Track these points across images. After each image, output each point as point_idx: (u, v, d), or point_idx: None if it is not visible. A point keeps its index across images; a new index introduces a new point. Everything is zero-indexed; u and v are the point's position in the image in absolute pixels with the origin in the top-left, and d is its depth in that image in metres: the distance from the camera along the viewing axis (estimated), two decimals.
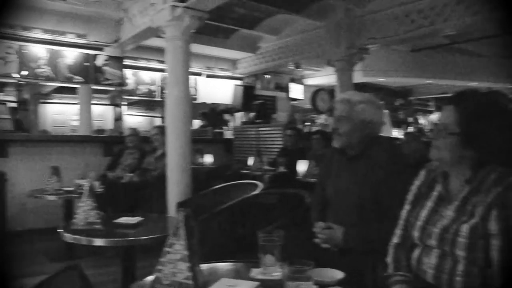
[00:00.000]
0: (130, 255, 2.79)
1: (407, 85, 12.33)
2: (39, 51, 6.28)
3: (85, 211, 2.54)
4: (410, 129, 11.73)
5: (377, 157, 2.04)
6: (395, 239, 1.67)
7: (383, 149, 2.08)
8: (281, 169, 5.48)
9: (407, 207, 1.66)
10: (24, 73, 6.16)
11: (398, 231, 1.67)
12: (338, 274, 1.54)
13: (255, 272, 1.55)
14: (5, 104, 5.93)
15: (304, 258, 1.30)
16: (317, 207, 2.30)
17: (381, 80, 10.71)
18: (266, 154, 6.06)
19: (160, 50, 6.68)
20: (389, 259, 1.64)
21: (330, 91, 9.98)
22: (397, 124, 12.16)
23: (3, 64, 6.01)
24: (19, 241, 4.84)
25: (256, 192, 3.35)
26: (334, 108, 2.19)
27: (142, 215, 2.92)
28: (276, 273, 1.51)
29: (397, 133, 10.94)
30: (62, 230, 2.57)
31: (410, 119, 13.17)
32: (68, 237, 2.47)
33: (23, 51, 6.15)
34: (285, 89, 10.17)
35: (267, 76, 9.85)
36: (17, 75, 6.15)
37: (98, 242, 2.42)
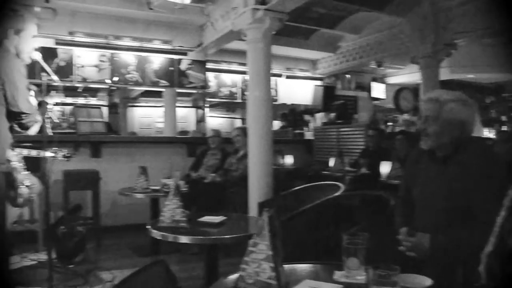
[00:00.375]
0: (213, 253, 2.86)
1: (498, 80, 11.48)
2: (128, 58, 6.67)
3: (171, 210, 2.63)
4: (504, 128, 10.92)
5: (469, 159, 1.91)
6: (489, 247, 1.55)
7: (475, 151, 1.94)
8: (363, 170, 5.34)
9: (503, 213, 1.53)
10: (115, 78, 6.57)
11: (492, 239, 1.55)
12: (426, 281, 1.46)
13: (338, 275, 1.52)
14: (99, 108, 6.33)
15: (385, 263, 1.25)
16: (401, 211, 2.20)
17: (469, 76, 10.07)
18: (347, 155, 5.95)
19: (241, 53, 6.78)
20: (482, 268, 1.53)
21: (414, 89, 9.59)
22: (488, 123, 11.38)
23: (98, 71, 6.46)
24: (111, 236, 5.15)
25: (338, 193, 3.29)
26: (421, 107, 2.09)
27: (224, 214, 2.98)
28: (360, 276, 1.47)
29: (488, 133, 10.25)
30: (149, 227, 2.69)
31: (503, 118, 12.25)
32: (156, 233, 2.58)
33: (114, 58, 6.57)
34: (367, 89, 9.92)
35: (348, 76, 9.67)
36: (109, 81, 6.57)
37: (184, 239, 2.50)
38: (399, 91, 10.24)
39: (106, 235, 5.05)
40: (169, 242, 2.62)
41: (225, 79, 8.16)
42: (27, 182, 2.34)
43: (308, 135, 7.98)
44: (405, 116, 9.87)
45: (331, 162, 5.69)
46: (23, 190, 2.33)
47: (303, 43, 7.80)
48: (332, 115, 8.23)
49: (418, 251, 1.86)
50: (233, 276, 1.54)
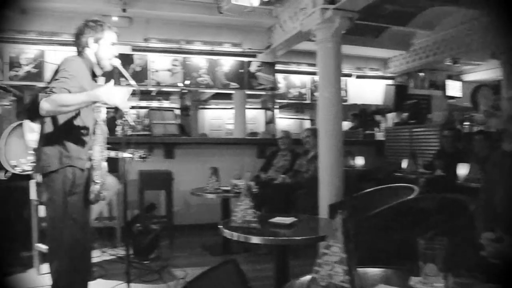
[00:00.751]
0: (283, 254, 2.86)
1: None
2: (200, 62, 6.85)
3: (243, 210, 2.67)
4: None
5: None
6: None
7: None
8: (438, 172, 5.11)
9: None
10: (187, 82, 6.77)
11: None
12: None
13: (415, 281, 1.46)
14: (172, 110, 6.56)
15: (467, 270, 1.18)
16: (483, 215, 2.08)
17: None
18: (421, 156, 5.71)
19: (310, 54, 6.75)
20: None
21: (494, 86, 9.01)
22: None
23: (171, 75, 6.69)
24: (183, 234, 5.31)
25: (412, 196, 3.17)
26: (504, 105, 1.96)
27: (295, 215, 2.97)
28: (438, 284, 1.40)
29: None
30: (221, 226, 2.75)
31: None
32: (227, 233, 2.63)
33: (186, 62, 6.77)
34: (441, 87, 9.46)
35: (421, 74, 9.28)
36: (181, 84, 6.79)
37: (255, 240, 2.52)
38: (477, 89, 9.67)
39: (179, 233, 5.22)
40: (239, 241, 2.66)
41: (294, 80, 8.14)
42: (98, 180, 2.45)
43: (379, 136, 7.77)
44: (484, 116, 9.33)
45: (404, 163, 5.49)
46: (94, 187, 2.45)
47: (373, 41, 7.60)
48: (405, 115, 7.94)
49: (504, 257, 1.75)
50: (305, 278, 1.53)
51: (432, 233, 2.10)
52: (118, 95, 2.30)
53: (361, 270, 1.60)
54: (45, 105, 2.23)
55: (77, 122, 2.46)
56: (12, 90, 8.09)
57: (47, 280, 3.69)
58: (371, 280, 1.50)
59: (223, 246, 4.58)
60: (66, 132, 2.45)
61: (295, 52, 7.49)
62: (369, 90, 8.74)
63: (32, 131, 3.47)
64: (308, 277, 1.48)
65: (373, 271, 1.68)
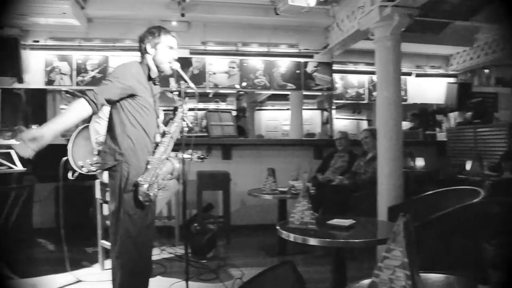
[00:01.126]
0: (341, 256, 2.82)
1: None
2: (256, 63, 6.90)
3: (301, 211, 2.66)
4: None
5: None
6: None
7: None
8: (507, 174, 4.84)
9: None
10: (244, 83, 6.84)
11: None
12: None
13: None
14: (230, 112, 6.65)
15: None
16: None
17: None
18: (486, 158, 5.44)
19: (368, 53, 6.62)
20: None
21: None
22: None
23: (228, 77, 6.79)
24: (239, 234, 5.36)
25: (478, 199, 3.02)
26: None
27: (353, 218, 2.92)
28: None
29: None
30: (279, 227, 2.75)
31: None
32: (284, 234, 2.62)
33: (243, 64, 6.84)
34: (509, 84, 8.96)
35: (486, 71, 8.83)
36: (238, 86, 6.87)
37: (313, 241, 2.50)
38: None
39: (235, 233, 5.27)
40: (295, 242, 2.64)
41: (351, 80, 8.01)
42: (143, 180, 2.53)
43: (441, 136, 7.47)
44: None
45: (468, 165, 5.26)
46: (141, 187, 2.51)
47: (434, 38, 7.31)
48: (468, 114, 7.58)
49: None
50: (364, 282, 1.50)
51: (499, 239, 2.00)
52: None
53: (422, 275, 1.55)
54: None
55: (136, 123, 2.57)
56: (78, 94, 8.48)
57: (109, 275, 3.86)
58: (433, 287, 1.45)
59: (279, 247, 4.58)
60: (124, 132, 2.58)
61: (352, 52, 7.37)
62: (429, 89, 8.43)
63: (97, 133, 3.63)
64: (367, 281, 1.45)
65: (436, 277, 1.62)
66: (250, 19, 6.53)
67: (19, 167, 3.78)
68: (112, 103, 2.56)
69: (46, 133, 2.28)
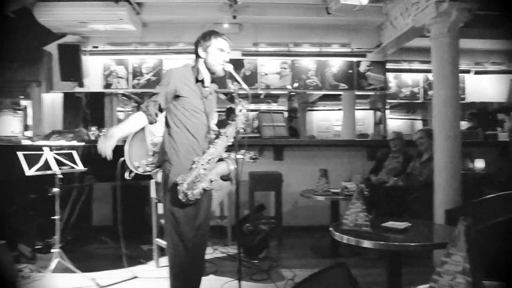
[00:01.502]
0: (396, 260, 2.74)
1: None
2: (308, 63, 6.85)
3: (355, 213, 2.61)
4: None
5: None
6: None
7: None
8: None
9: None
10: (296, 84, 6.81)
11: None
12: None
13: None
14: (282, 113, 6.65)
15: None
16: None
17: None
18: None
19: (423, 50, 6.43)
20: None
21: None
22: None
23: (279, 78, 6.79)
24: (291, 235, 5.34)
25: None
26: None
27: (408, 220, 2.84)
28: None
29: None
30: (331, 229, 2.72)
31: None
32: (338, 236, 2.59)
33: (295, 65, 6.81)
34: None
35: None
36: (290, 87, 6.85)
37: (367, 244, 2.46)
38: None
39: (287, 234, 5.25)
40: (348, 245, 2.61)
41: (405, 79, 7.78)
42: (181, 180, 2.57)
43: (503, 136, 7.11)
44: None
45: None
46: (180, 187, 2.55)
47: (495, 33, 6.97)
48: None
49: None
50: (422, 287, 1.45)
51: None
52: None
53: (485, 283, 1.48)
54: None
55: (180, 124, 2.65)
56: (133, 97, 8.81)
57: (164, 272, 3.97)
58: None
59: (331, 248, 4.53)
60: (168, 133, 2.69)
61: (406, 50, 7.16)
62: (490, 87, 8.03)
63: (152, 135, 3.74)
64: (424, 286, 1.40)
65: (494, 285, 1.54)
66: (301, 19, 6.50)
67: (80, 167, 3.95)
68: (165, 108, 2.66)
69: (116, 133, 2.55)
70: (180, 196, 2.50)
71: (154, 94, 2.63)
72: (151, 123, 2.63)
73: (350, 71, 6.88)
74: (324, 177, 4.58)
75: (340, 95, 7.91)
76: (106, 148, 2.50)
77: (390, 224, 2.72)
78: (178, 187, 2.50)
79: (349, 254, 4.41)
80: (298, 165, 5.81)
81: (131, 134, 4.11)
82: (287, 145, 5.87)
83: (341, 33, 6.84)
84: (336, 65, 6.89)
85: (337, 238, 2.61)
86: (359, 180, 4.19)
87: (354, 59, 6.90)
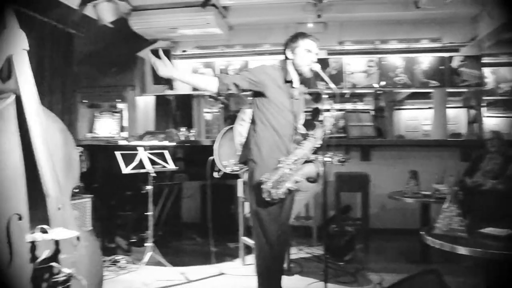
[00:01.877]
0: (495, 270, 2.56)
1: None
2: (396, 61, 6.60)
3: (448, 217, 2.49)
4: None
5: None
6: None
7: None
8: None
9: None
10: (383, 82, 6.60)
11: None
12: None
13: None
14: (368, 112, 6.50)
15: None
16: None
17: None
18: None
19: None
20: None
21: None
22: None
23: (366, 76, 6.62)
24: (378, 238, 5.19)
25: None
26: None
27: (510, 227, 2.64)
28: None
29: None
30: (423, 233, 2.60)
31: None
32: (430, 240, 2.48)
33: (382, 62, 6.60)
34: None
35: None
36: (377, 85, 6.66)
37: (462, 250, 2.33)
38: None
39: (374, 237, 5.13)
40: (439, 250, 2.49)
41: (505, 74, 7.22)
42: (266, 178, 2.56)
43: None
44: None
45: None
46: (264, 185, 2.55)
47: None
48: None
49: None
50: None
51: None
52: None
53: None
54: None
55: (266, 122, 2.66)
56: (220, 98, 9.07)
57: (249, 270, 4.05)
58: None
59: (421, 253, 4.34)
60: (253, 130, 2.74)
61: (506, 42, 6.64)
62: None
63: (240, 135, 3.83)
64: None
65: None
66: (388, 15, 6.27)
67: (171, 166, 4.14)
68: (240, 90, 2.73)
69: (176, 73, 2.77)
70: (265, 195, 2.53)
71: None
72: (218, 94, 2.70)
73: (442, 67, 6.52)
74: (414, 178, 4.41)
75: (430, 92, 7.53)
76: (163, 69, 2.68)
77: (489, 230, 2.55)
78: (263, 186, 2.53)
79: (440, 259, 4.20)
80: (385, 166, 5.65)
81: (221, 134, 4.25)
82: (375, 145, 5.73)
83: (431, 27, 6.50)
84: (426, 61, 6.57)
85: (429, 243, 2.50)
86: (452, 183, 3.95)
87: (446, 55, 6.53)
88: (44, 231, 1.91)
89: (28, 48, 2.01)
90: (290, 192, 2.62)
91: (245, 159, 2.77)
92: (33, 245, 1.88)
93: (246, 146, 2.78)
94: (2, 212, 1.84)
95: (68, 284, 1.93)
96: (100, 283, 2.33)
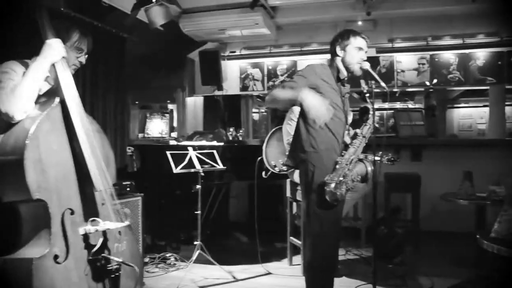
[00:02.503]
0: None
1: None
2: (449, 57, 6.38)
3: (507, 221, 2.38)
4: None
5: None
6: None
7: None
8: None
9: None
10: (435, 80, 6.39)
11: None
12: None
13: None
14: (420, 111, 6.30)
15: None
16: None
17: None
18: None
19: None
20: None
21: None
22: None
23: (417, 74, 6.44)
24: (430, 241, 5.03)
25: None
26: None
27: None
28: None
29: None
30: (479, 236, 2.51)
31: None
32: (486, 245, 2.39)
33: (434, 59, 6.39)
34: None
35: None
36: (428, 83, 6.45)
37: None
38: None
39: (425, 239, 4.98)
40: (495, 255, 2.39)
41: None
42: (329, 179, 2.53)
43: None
44: None
45: None
46: (327, 187, 2.52)
47: None
48: None
49: None
50: None
51: None
52: (318, 106, 2.46)
53: None
54: (266, 97, 2.65)
55: (324, 125, 2.64)
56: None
57: (296, 271, 4.04)
58: None
59: (475, 258, 4.16)
60: (308, 132, 2.68)
61: None
62: None
63: (288, 134, 3.83)
64: None
65: None
66: (441, 10, 6.05)
67: (220, 165, 4.19)
68: None
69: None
70: (327, 196, 2.51)
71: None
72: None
73: (499, 62, 6.22)
74: (468, 179, 4.24)
75: (486, 90, 7.22)
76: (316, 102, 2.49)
77: None
78: (326, 187, 2.51)
79: (496, 265, 4.02)
80: (437, 166, 5.47)
81: (269, 134, 4.27)
82: (426, 145, 5.57)
83: (488, 21, 6.21)
84: (481, 57, 6.30)
85: (486, 248, 2.40)
86: (510, 184, 3.78)
87: (504, 49, 6.23)
88: (95, 224, 2.05)
89: (66, 55, 2.15)
90: (347, 191, 2.59)
91: (298, 161, 2.73)
92: (86, 237, 2.03)
93: (298, 148, 2.74)
94: (57, 207, 1.97)
95: (119, 272, 2.07)
96: (141, 276, 2.46)
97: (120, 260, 2.05)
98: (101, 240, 2.04)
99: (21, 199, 1.90)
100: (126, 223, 2.20)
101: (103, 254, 2.05)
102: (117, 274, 2.07)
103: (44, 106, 2.06)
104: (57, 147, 2.06)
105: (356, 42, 2.71)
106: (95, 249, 2.01)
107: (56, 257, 1.90)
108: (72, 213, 2.03)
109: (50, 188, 1.96)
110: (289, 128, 3.83)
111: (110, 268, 2.04)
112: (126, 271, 2.12)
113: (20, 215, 1.95)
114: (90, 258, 2.01)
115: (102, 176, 2.16)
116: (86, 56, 2.39)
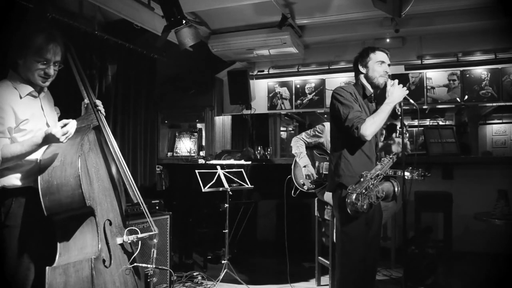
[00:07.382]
0: None
1: None
2: (481, 73, 6.24)
3: None
4: None
5: None
6: None
7: None
8: None
9: None
10: (467, 97, 6.26)
11: None
12: None
13: None
14: (451, 128, 6.15)
15: None
16: None
17: None
18: None
19: None
20: None
21: None
22: None
23: (448, 91, 6.32)
24: (463, 262, 4.89)
25: None
26: None
27: None
28: None
29: None
30: None
31: None
32: None
33: (465, 75, 6.27)
34: None
35: None
36: (459, 100, 6.32)
37: None
38: None
39: (458, 260, 4.85)
40: None
41: None
42: (352, 191, 2.50)
43: None
44: None
45: None
46: (348, 200, 2.50)
47: None
48: None
49: None
50: None
51: None
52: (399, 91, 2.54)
53: None
54: (368, 132, 2.55)
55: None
56: (295, 117, 9.09)
57: None
58: None
59: (511, 280, 4.02)
60: (341, 153, 2.69)
61: None
62: None
63: (296, 148, 3.86)
64: None
65: None
66: (471, 25, 5.92)
67: (248, 184, 4.21)
68: None
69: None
70: (348, 208, 2.49)
71: (345, 110, 2.63)
72: None
73: None
74: (503, 198, 4.12)
75: None
76: None
77: None
78: (347, 198, 2.50)
79: None
80: (470, 185, 5.32)
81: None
82: (458, 163, 5.43)
83: None
84: None
85: None
86: None
87: None
88: (130, 233, 2.35)
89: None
90: (371, 207, 2.56)
91: (335, 185, 2.71)
92: (123, 246, 2.35)
93: (333, 171, 2.72)
94: (100, 217, 2.25)
95: (153, 277, 2.39)
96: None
97: (154, 266, 2.34)
98: (138, 248, 2.35)
99: (77, 206, 2.15)
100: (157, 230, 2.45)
101: (136, 264, 2.35)
102: (151, 277, 2.37)
103: (80, 131, 2.30)
104: (96, 164, 2.33)
105: (376, 56, 2.74)
106: (134, 255, 2.34)
107: (104, 261, 2.18)
108: (110, 223, 2.29)
109: (95, 199, 2.23)
110: (300, 144, 3.92)
111: (147, 273, 2.36)
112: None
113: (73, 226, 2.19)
114: (133, 265, 2.32)
115: (133, 189, 2.42)
116: (58, 67, 2.31)
